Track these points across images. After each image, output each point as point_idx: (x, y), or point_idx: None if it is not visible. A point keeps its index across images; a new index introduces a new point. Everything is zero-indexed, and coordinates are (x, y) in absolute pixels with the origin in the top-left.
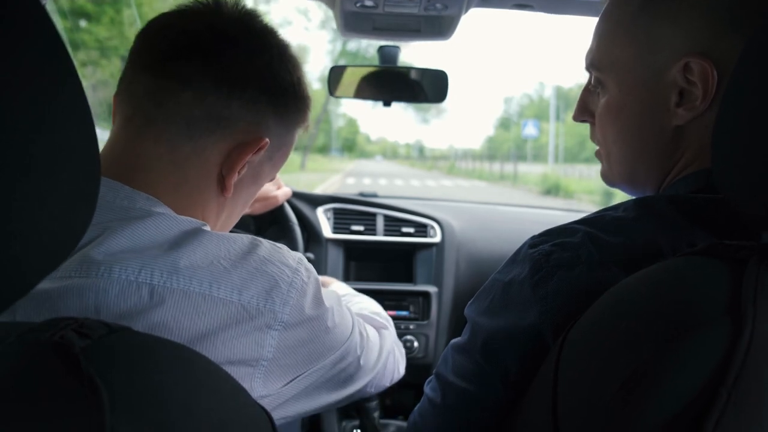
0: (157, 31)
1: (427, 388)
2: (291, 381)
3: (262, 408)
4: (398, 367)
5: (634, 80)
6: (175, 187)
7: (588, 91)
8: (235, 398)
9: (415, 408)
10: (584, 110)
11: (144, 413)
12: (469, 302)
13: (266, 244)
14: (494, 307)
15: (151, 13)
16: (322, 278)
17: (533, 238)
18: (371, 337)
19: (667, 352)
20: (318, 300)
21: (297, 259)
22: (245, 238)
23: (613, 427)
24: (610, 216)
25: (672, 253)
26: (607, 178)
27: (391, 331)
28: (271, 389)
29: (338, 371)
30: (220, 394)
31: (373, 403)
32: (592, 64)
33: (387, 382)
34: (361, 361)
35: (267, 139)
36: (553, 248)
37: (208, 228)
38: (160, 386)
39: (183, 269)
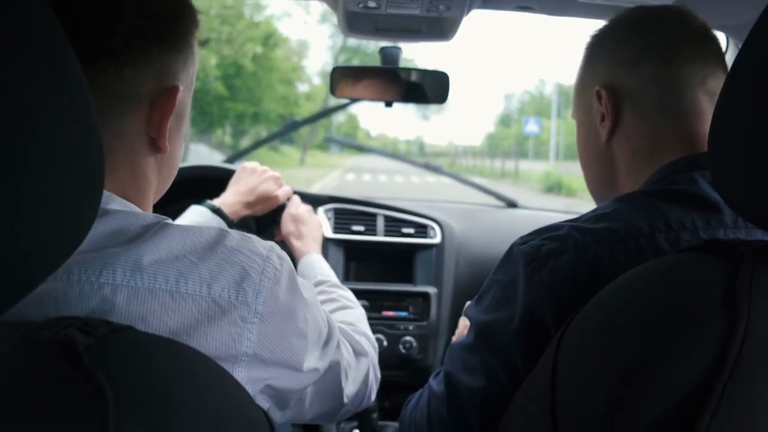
0: None
1: (433, 383)
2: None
3: (261, 408)
4: (369, 394)
5: (580, 112)
6: (113, 174)
7: None
8: (235, 397)
9: (412, 403)
10: None
11: (147, 410)
12: (469, 304)
13: (235, 234)
14: (496, 304)
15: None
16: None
17: (522, 237)
18: (350, 361)
19: (663, 347)
20: (294, 287)
21: (268, 247)
22: (212, 230)
23: (611, 420)
24: (591, 213)
25: (649, 230)
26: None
27: (370, 357)
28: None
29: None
30: (220, 393)
31: (372, 405)
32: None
33: (352, 408)
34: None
35: (179, 85)
36: (542, 242)
37: (169, 221)
38: (162, 384)
39: (147, 266)
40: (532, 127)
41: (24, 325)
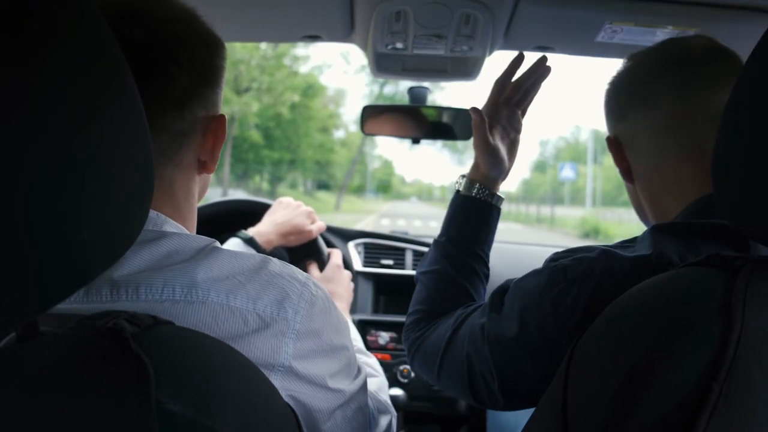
0: None
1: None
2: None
3: (289, 405)
4: None
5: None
6: (172, 198)
7: None
8: (264, 390)
9: (436, 335)
10: None
11: (184, 389)
12: (496, 292)
13: (276, 262)
14: (510, 312)
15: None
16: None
17: (555, 253)
18: (374, 413)
19: (663, 350)
20: (327, 312)
21: (305, 275)
22: (257, 256)
23: (615, 422)
24: (628, 242)
25: (681, 262)
26: None
27: (391, 418)
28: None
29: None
30: (252, 383)
31: None
32: None
33: None
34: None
35: (223, 114)
36: (571, 262)
37: (217, 244)
38: (198, 369)
39: (201, 283)
40: (567, 172)
41: (78, 317)
